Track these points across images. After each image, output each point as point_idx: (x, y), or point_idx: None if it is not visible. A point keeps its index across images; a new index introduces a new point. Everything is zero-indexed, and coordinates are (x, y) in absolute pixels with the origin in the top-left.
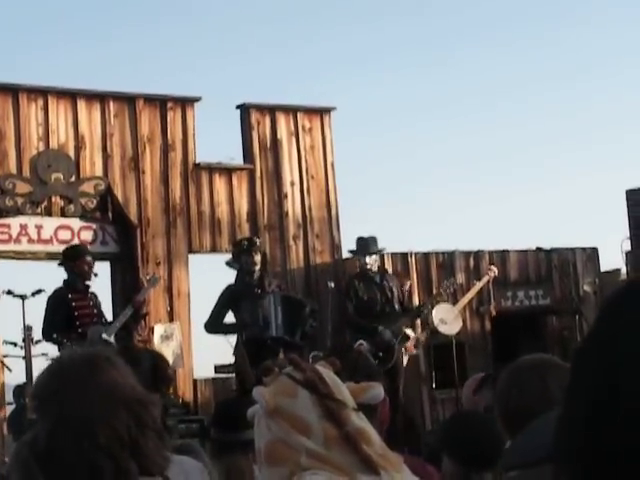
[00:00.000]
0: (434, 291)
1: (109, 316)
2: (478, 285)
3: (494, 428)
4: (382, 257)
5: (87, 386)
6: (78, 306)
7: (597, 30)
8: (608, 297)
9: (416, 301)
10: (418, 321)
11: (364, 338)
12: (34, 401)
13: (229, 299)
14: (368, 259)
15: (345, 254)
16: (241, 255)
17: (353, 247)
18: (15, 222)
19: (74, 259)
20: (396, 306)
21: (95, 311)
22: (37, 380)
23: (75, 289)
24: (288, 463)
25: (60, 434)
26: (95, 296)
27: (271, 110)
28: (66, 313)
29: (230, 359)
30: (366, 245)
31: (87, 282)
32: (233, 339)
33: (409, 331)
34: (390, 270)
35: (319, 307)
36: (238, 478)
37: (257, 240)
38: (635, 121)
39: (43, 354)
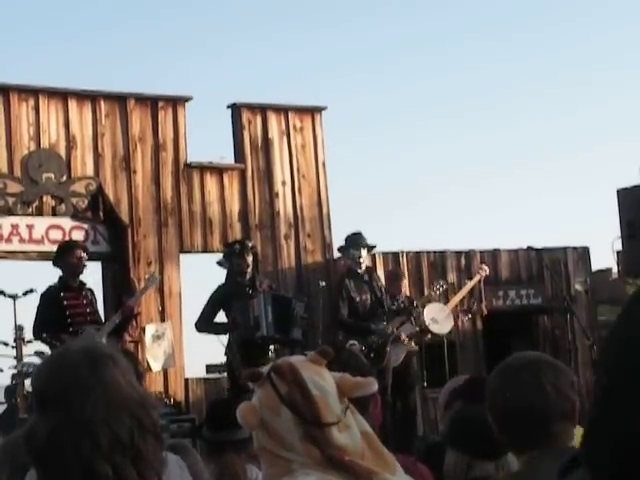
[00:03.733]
0: (425, 290)
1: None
2: (469, 284)
3: None
4: (373, 256)
5: (90, 387)
6: (70, 305)
7: (580, 33)
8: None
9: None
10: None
11: (356, 338)
12: (35, 399)
13: (220, 299)
14: (363, 252)
15: (336, 254)
16: (233, 257)
17: (342, 246)
18: (6, 222)
19: (63, 254)
20: (385, 306)
21: (89, 310)
22: (38, 378)
23: (68, 287)
24: (280, 467)
25: (61, 435)
26: (92, 293)
27: (262, 109)
28: (57, 312)
29: (222, 359)
30: (358, 239)
31: (79, 277)
32: (225, 339)
33: (398, 331)
34: (381, 269)
35: (310, 306)
36: (230, 477)
37: (249, 242)
38: (625, 121)
39: (36, 352)
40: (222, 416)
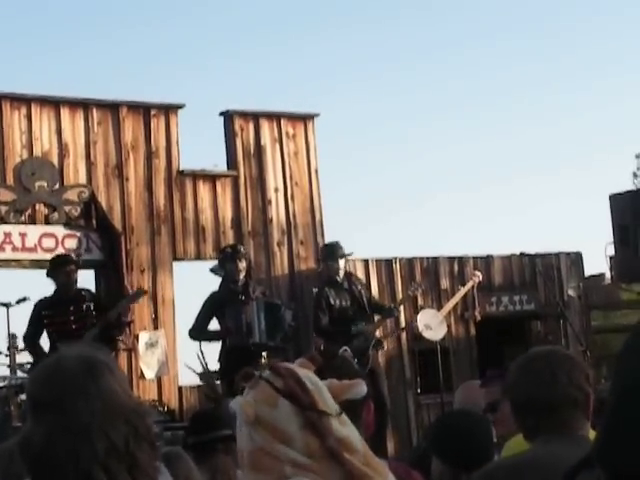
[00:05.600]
0: (418, 297)
1: None
2: (462, 290)
3: (483, 428)
4: (367, 263)
5: (86, 394)
6: (50, 323)
7: (577, 42)
8: None
9: (401, 306)
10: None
11: (338, 344)
12: (28, 405)
13: (213, 306)
14: (340, 263)
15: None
16: (226, 263)
17: (319, 259)
18: None
19: (54, 270)
20: (367, 310)
21: (75, 326)
22: (33, 383)
23: (57, 302)
24: (272, 472)
25: (57, 442)
26: (91, 300)
27: (254, 117)
28: (40, 329)
29: (215, 366)
30: (335, 249)
31: (73, 288)
32: (206, 351)
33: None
34: (375, 276)
35: (303, 313)
36: (222, 477)
37: (241, 247)
38: (617, 127)
39: (28, 362)
40: (205, 420)
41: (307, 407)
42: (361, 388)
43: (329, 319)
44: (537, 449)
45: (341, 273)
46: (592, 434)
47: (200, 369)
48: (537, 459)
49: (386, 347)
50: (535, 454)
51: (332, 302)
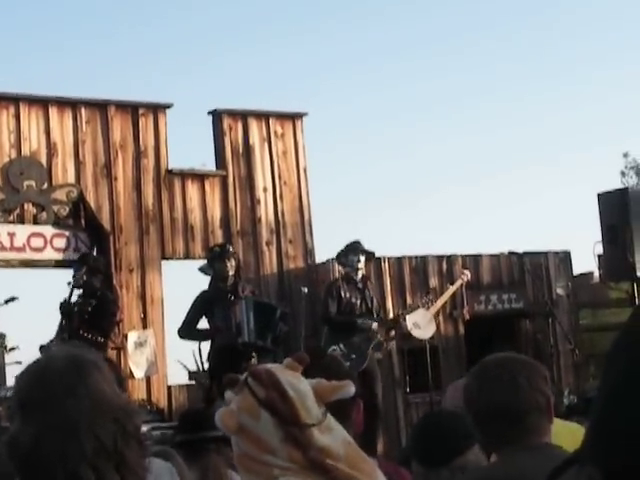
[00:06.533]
0: (408, 296)
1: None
2: (451, 289)
3: (458, 427)
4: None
5: (75, 393)
6: None
7: (563, 40)
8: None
9: (389, 304)
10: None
11: (341, 336)
12: (16, 405)
13: (202, 305)
14: (361, 258)
15: (319, 259)
16: (214, 262)
17: (332, 255)
18: None
19: None
20: (374, 315)
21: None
22: (20, 383)
23: None
24: (262, 473)
25: (45, 441)
26: (93, 300)
27: (243, 116)
28: None
29: (205, 365)
30: (357, 246)
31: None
32: (199, 351)
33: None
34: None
35: (292, 312)
36: (215, 477)
37: (230, 246)
38: (605, 126)
39: (17, 362)
40: (199, 418)
41: (288, 421)
42: (349, 389)
43: (337, 311)
44: (505, 463)
45: (360, 270)
46: (562, 426)
47: (193, 368)
48: (507, 474)
49: (384, 349)
50: (504, 469)
51: (342, 294)
